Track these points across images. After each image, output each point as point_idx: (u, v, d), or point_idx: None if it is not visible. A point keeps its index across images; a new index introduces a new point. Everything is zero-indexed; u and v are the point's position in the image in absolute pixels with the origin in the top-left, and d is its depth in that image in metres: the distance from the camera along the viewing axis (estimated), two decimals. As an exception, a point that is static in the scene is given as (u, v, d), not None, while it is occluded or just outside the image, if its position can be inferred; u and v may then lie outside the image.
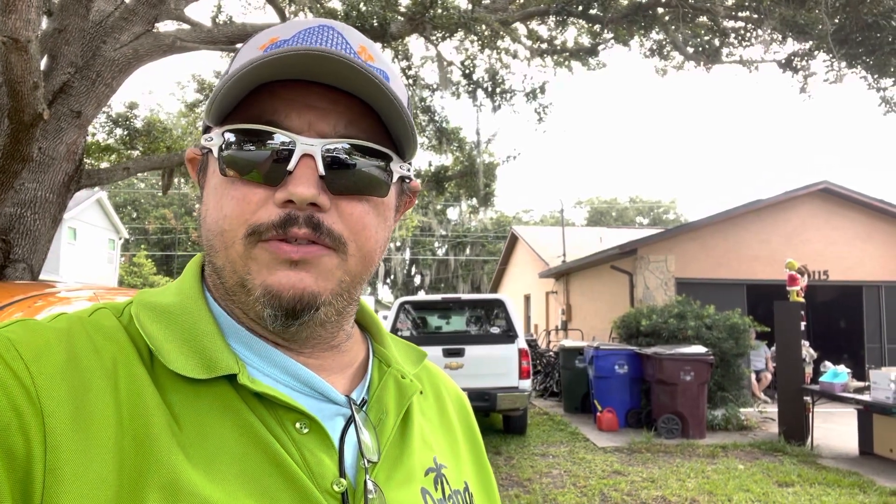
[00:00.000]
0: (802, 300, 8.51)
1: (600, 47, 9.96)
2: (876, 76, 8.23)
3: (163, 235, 39.16)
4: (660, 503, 5.56)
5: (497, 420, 9.25)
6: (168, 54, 5.68)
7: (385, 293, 45.80)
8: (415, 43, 10.62)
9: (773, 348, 9.59)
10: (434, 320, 9.71)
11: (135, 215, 40.93)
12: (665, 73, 10.62)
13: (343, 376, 0.64)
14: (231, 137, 0.56)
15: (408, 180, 0.65)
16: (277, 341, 0.59)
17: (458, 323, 9.59)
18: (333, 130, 0.57)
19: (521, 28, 10.21)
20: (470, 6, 8.32)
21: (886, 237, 12.79)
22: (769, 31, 8.65)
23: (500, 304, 8.79)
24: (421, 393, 0.69)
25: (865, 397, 6.73)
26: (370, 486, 0.56)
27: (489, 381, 7.74)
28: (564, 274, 16.90)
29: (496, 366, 7.87)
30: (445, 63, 9.83)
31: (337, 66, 0.53)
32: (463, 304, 9.40)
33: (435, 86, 10.72)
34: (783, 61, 9.15)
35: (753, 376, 11.15)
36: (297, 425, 0.55)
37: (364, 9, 7.60)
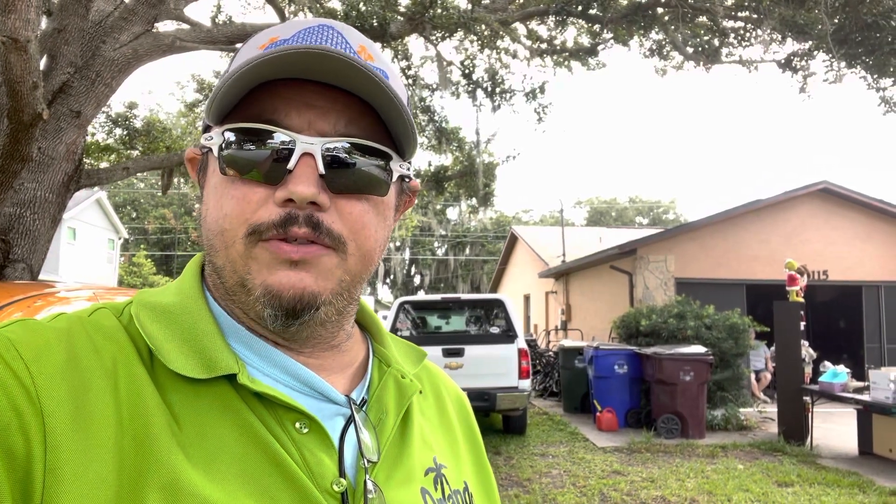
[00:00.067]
0: (802, 300, 8.52)
1: (600, 47, 9.97)
2: (875, 76, 8.24)
3: (162, 235, 39.15)
4: (659, 503, 5.56)
5: (497, 420, 9.26)
6: (167, 54, 5.68)
7: (385, 293, 45.83)
8: (414, 43, 10.63)
9: (773, 348, 9.60)
10: (434, 320, 9.71)
11: (134, 215, 40.92)
12: (665, 73, 10.63)
13: (343, 376, 0.64)
14: (231, 136, 0.56)
15: (407, 179, 0.65)
16: (277, 341, 0.59)
17: (457, 323, 9.59)
18: (333, 129, 0.57)
19: (520, 28, 10.21)
20: (469, 6, 8.32)
21: (886, 237, 12.80)
22: (769, 31, 8.65)
23: (499, 304, 8.79)
24: (420, 392, 0.69)
25: (865, 397, 6.73)
26: (370, 485, 0.56)
27: (489, 381, 7.74)
28: (564, 274, 16.91)
29: (496, 366, 7.87)
30: (445, 63, 9.83)
31: (337, 64, 0.53)
32: (462, 304, 9.40)
33: (434, 86, 10.73)
34: (783, 61, 9.15)
35: (753, 376, 11.16)
36: (297, 425, 0.55)
37: (364, 9, 7.60)
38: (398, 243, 41.83)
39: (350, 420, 0.59)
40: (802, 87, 9.17)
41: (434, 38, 8.69)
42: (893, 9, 7.52)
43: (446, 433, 0.73)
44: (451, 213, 38.32)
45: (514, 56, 10.49)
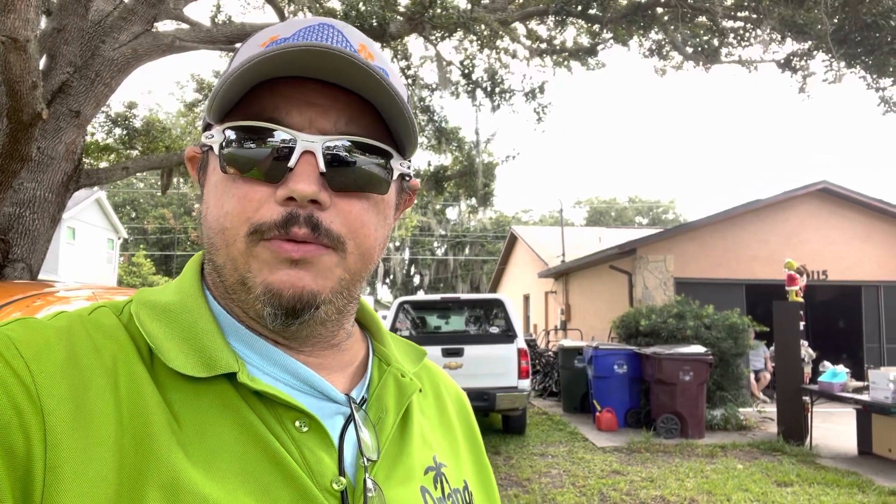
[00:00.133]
0: (801, 300, 8.52)
1: (599, 47, 9.97)
2: (875, 76, 8.25)
3: (162, 235, 39.14)
4: (659, 503, 5.57)
5: (496, 420, 9.26)
6: (167, 54, 5.68)
7: (384, 293, 45.83)
8: (414, 43, 10.61)
9: (772, 348, 9.61)
10: (433, 320, 9.71)
11: (134, 215, 40.91)
12: (664, 73, 10.63)
13: (343, 375, 0.64)
14: (232, 135, 0.56)
15: (407, 178, 0.65)
16: (277, 340, 0.59)
17: (457, 323, 9.59)
18: (334, 127, 0.57)
19: (520, 28, 10.22)
20: (469, 6, 8.33)
21: (885, 237, 12.80)
22: (768, 30, 8.66)
23: (499, 304, 8.79)
24: (420, 391, 0.69)
25: (864, 397, 6.73)
26: (370, 484, 0.56)
27: (488, 381, 7.74)
28: (563, 274, 16.91)
29: (495, 365, 7.87)
30: (444, 63, 9.83)
31: (338, 61, 0.53)
32: (462, 303, 9.41)
33: (434, 85, 10.73)
34: (782, 61, 9.15)
35: (752, 376, 11.16)
36: (297, 424, 0.55)
37: (363, 8, 7.61)
38: (398, 243, 41.84)
39: (350, 419, 0.59)
40: (802, 87, 9.18)
41: (433, 37, 8.70)
42: (893, 9, 7.52)
43: (446, 432, 0.73)
44: (451, 212, 38.37)
45: (514, 56, 10.49)
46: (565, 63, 10.68)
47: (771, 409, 9.71)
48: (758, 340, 10.86)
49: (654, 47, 9.91)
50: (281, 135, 0.55)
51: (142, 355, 0.54)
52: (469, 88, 10.08)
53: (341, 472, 0.55)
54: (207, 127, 0.60)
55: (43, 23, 4.93)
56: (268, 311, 0.55)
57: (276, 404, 0.55)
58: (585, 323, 14.99)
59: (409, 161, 0.64)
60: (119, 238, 27.78)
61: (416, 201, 0.68)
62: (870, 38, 7.75)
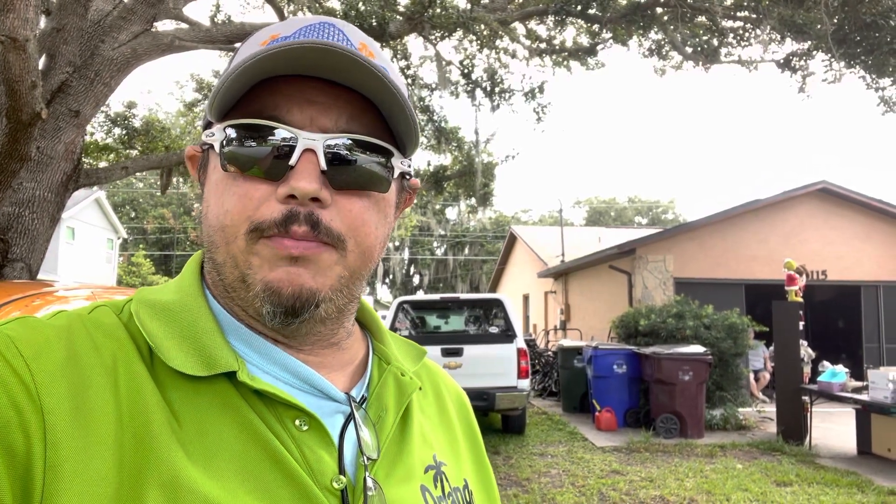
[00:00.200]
0: (801, 300, 8.52)
1: (599, 47, 9.97)
2: (874, 76, 8.25)
3: (161, 235, 39.13)
4: (658, 503, 5.57)
5: (496, 419, 9.26)
6: (166, 53, 5.68)
7: (384, 293, 45.82)
8: (413, 42, 10.61)
9: (772, 348, 9.61)
10: (433, 320, 9.71)
11: (133, 215, 40.90)
12: (664, 73, 10.64)
13: (343, 374, 0.64)
14: (232, 133, 0.56)
15: (408, 177, 0.65)
16: (277, 338, 0.59)
17: (456, 322, 9.59)
18: (335, 125, 0.57)
19: (519, 28, 10.22)
20: (469, 6, 8.33)
21: (885, 237, 12.81)
22: (768, 30, 8.66)
23: (498, 304, 8.79)
24: (420, 389, 0.69)
25: (863, 397, 6.74)
26: (370, 483, 0.56)
27: (488, 381, 7.74)
28: (563, 274, 16.91)
29: (495, 365, 7.88)
30: (444, 62, 9.83)
31: (340, 59, 0.53)
32: (462, 303, 9.41)
33: (434, 85, 10.73)
34: (782, 61, 9.16)
35: (752, 376, 11.16)
36: (297, 422, 0.55)
37: (363, 8, 7.61)
38: (397, 243, 41.85)
39: (350, 417, 0.59)
40: (801, 87, 9.18)
41: (433, 37, 8.70)
42: (892, 8, 7.53)
43: (446, 431, 0.73)
44: (451, 212, 38.40)
45: (514, 56, 10.50)
46: (565, 63, 10.68)
47: (770, 409, 9.71)
48: (757, 340, 10.86)
49: (653, 47, 9.91)
50: (282, 133, 0.55)
51: (142, 354, 0.53)
52: (469, 88, 10.09)
53: (341, 470, 0.55)
54: (208, 125, 0.60)
55: (42, 22, 4.93)
56: (267, 308, 0.55)
57: (276, 403, 0.55)
58: (585, 323, 14.99)
59: (410, 160, 0.64)
60: (118, 238, 27.77)
61: (415, 201, 0.68)
62: (869, 37, 7.75)
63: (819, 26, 7.99)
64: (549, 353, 13.30)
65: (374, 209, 0.59)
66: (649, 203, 54.39)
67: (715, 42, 9.40)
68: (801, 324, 8.18)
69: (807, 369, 8.45)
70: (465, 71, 9.96)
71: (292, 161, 0.54)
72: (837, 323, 14.02)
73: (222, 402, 0.53)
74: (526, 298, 22.11)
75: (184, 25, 6.66)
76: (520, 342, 8.03)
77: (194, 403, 0.52)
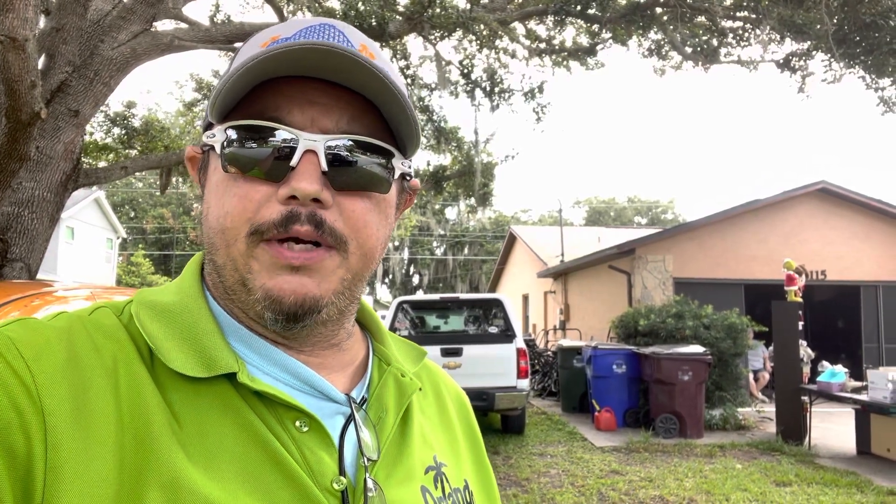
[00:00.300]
0: (800, 300, 8.53)
1: (599, 47, 9.97)
2: (874, 76, 8.25)
3: (161, 235, 39.12)
4: (657, 503, 5.57)
5: (495, 419, 9.26)
6: (166, 53, 5.68)
7: (383, 293, 45.82)
8: (413, 42, 10.62)
9: (771, 348, 9.62)
10: (432, 320, 9.71)
11: (133, 214, 40.89)
12: (663, 73, 10.64)
13: (343, 375, 0.64)
14: (233, 134, 0.56)
15: (408, 178, 0.65)
16: (277, 340, 0.59)
17: (456, 322, 9.59)
18: (336, 126, 0.57)
19: (519, 28, 10.22)
20: (468, 6, 8.33)
21: (884, 237, 12.82)
22: (767, 30, 8.67)
23: (498, 304, 8.80)
24: (420, 390, 0.69)
25: (863, 397, 6.74)
26: (370, 484, 0.56)
27: (487, 381, 7.74)
28: (563, 274, 16.92)
29: (494, 365, 7.88)
30: (444, 62, 9.83)
31: (341, 60, 0.53)
32: (461, 303, 9.41)
33: (433, 85, 10.73)
34: (781, 61, 9.16)
35: (751, 376, 11.17)
36: (297, 424, 0.55)
37: (362, 8, 7.61)
38: (397, 243, 41.84)
39: (350, 419, 0.59)
40: (801, 87, 9.19)
41: (433, 37, 8.70)
42: (892, 9, 7.53)
43: (446, 431, 0.73)
44: (450, 212, 38.42)
45: (513, 56, 10.50)
46: (564, 63, 10.68)
47: (770, 409, 9.72)
48: (756, 340, 10.86)
49: (653, 47, 9.92)
50: (283, 134, 0.55)
51: (142, 355, 0.53)
52: (468, 88, 10.09)
53: (342, 471, 0.55)
54: (208, 126, 0.60)
55: (42, 22, 4.92)
56: (268, 315, 0.55)
57: (277, 404, 0.55)
58: (584, 323, 14.99)
59: (410, 161, 0.64)
60: (118, 238, 27.77)
61: (415, 201, 0.68)
62: (869, 37, 7.76)
63: (819, 26, 8.00)
64: (549, 353, 13.30)
65: (375, 210, 0.59)
66: (649, 203, 54.41)
67: (714, 42, 9.40)
68: (801, 324, 8.19)
69: (806, 369, 8.46)
70: (465, 71, 9.96)
71: (293, 162, 0.54)
72: (837, 323, 14.02)
73: (223, 404, 0.53)
74: (525, 298, 22.11)
75: (183, 25, 6.66)
76: (519, 342, 8.04)
77: (195, 405, 0.52)
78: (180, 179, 11.70)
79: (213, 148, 0.58)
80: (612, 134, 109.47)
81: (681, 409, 8.29)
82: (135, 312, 0.57)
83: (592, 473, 6.51)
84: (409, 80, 10.12)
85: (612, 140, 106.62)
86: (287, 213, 0.54)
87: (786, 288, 8.62)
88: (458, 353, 7.91)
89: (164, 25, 6.94)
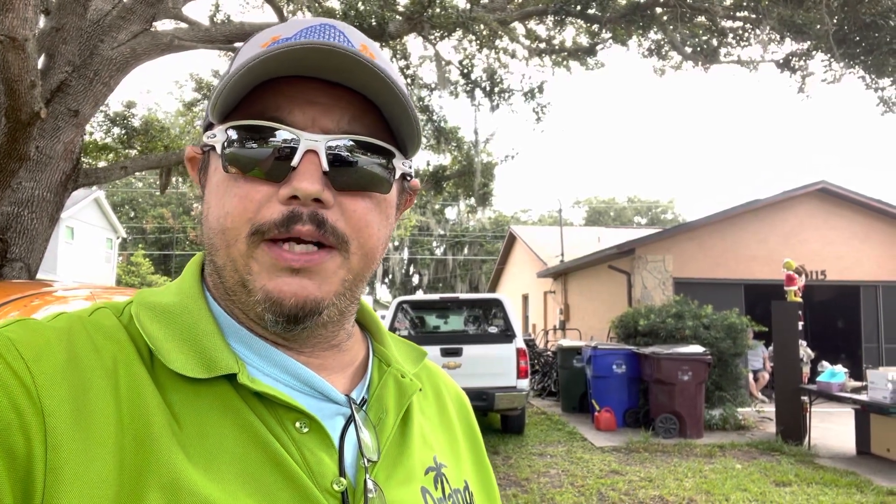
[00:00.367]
0: (800, 300, 8.53)
1: (598, 47, 9.97)
2: (874, 76, 8.26)
3: (160, 235, 39.12)
4: (657, 503, 5.57)
5: (495, 419, 9.26)
6: (166, 53, 5.68)
7: (383, 293, 45.82)
8: (413, 42, 10.61)
9: (771, 348, 9.62)
10: (432, 320, 9.71)
11: (132, 214, 40.89)
12: (663, 73, 10.64)
13: (343, 375, 0.64)
14: (234, 134, 0.56)
15: (409, 178, 0.65)
16: (277, 341, 0.59)
17: (456, 322, 9.59)
18: (337, 126, 0.57)
19: (519, 28, 10.22)
20: (468, 6, 8.33)
21: (884, 237, 12.82)
22: (767, 30, 8.67)
23: (498, 304, 8.80)
24: (420, 390, 0.69)
25: (863, 397, 6.74)
26: (370, 485, 0.56)
27: (487, 381, 7.74)
28: (562, 274, 16.92)
29: (494, 365, 7.88)
30: (444, 62, 9.83)
31: (343, 60, 0.53)
32: (461, 303, 9.41)
33: (433, 85, 10.73)
34: (781, 61, 9.16)
35: (751, 376, 11.17)
36: (297, 425, 0.55)
37: (362, 8, 7.60)
38: (397, 243, 41.84)
39: (350, 419, 0.59)
40: (801, 87, 9.19)
41: (433, 37, 8.70)
42: (892, 9, 7.54)
43: (446, 432, 0.73)
44: (450, 212, 38.42)
45: (513, 56, 10.50)
46: (564, 63, 10.68)
47: (769, 409, 9.72)
48: (756, 340, 10.87)
49: (653, 47, 9.92)
50: (284, 134, 0.55)
51: (142, 356, 0.53)
52: (468, 88, 10.08)
53: (342, 472, 0.55)
54: (209, 127, 0.60)
55: (41, 22, 4.92)
56: (269, 316, 0.55)
57: (277, 405, 0.55)
58: (584, 323, 14.99)
59: (411, 161, 0.63)
60: (118, 237, 27.77)
61: (415, 201, 0.68)
62: (869, 37, 7.76)
63: (819, 26, 8.00)
64: (549, 353, 13.30)
65: (376, 210, 0.59)
66: (649, 203, 54.42)
67: (714, 42, 9.40)
68: (801, 324, 8.19)
69: (806, 369, 8.46)
70: (465, 71, 9.96)
71: (294, 162, 0.54)
72: (836, 323, 14.02)
73: (223, 405, 0.53)
74: (525, 298, 22.12)
75: (183, 25, 6.66)
76: (519, 342, 8.04)
77: (195, 406, 0.52)
78: (180, 179, 11.70)
79: (213, 148, 0.58)
80: (612, 134, 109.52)
81: (680, 409, 8.29)
82: (135, 313, 0.57)
83: (592, 473, 6.51)
84: (409, 80, 10.11)
85: (611, 140, 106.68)
86: (288, 214, 0.54)
87: (786, 288, 8.62)
88: (457, 353, 7.91)
89: (164, 25, 6.94)
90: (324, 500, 0.52)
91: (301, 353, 0.60)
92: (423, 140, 11.22)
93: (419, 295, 30.22)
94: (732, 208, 12.45)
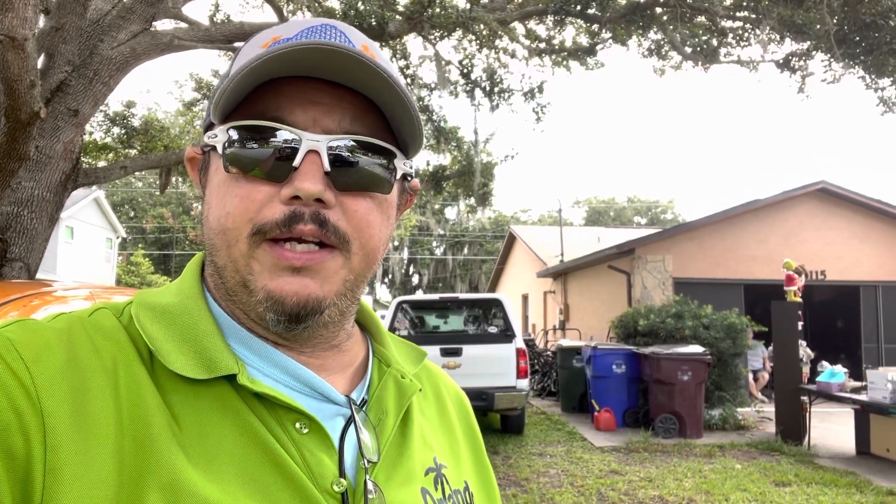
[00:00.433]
0: (800, 300, 8.53)
1: (598, 47, 9.97)
2: (874, 76, 8.26)
3: (160, 234, 39.12)
4: (657, 503, 5.57)
5: (495, 419, 9.26)
6: (165, 53, 5.68)
7: (383, 292, 45.82)
8: (413, 42, 10.61)
9: (771, 348, 9.62)
10: (432, 320, 9.72)
11: (132, 214, 40.88)
12: (663, 73, 10.63)
13: (343, 376, 0.64)
14: (235, 134, 0.56)
15: (409, 178, 0.65)
16: (278, 341, 0.59)
17: (455, 322, 9.59)
18: (339, 127, 0.57)
19: (519, 27, 10.22)
20: (468, 5, 8.33)
21: (883, 237, 12.82)
22: (767, 31, 8.67)
23: (497, 304, 8.80)
24: (420, 391, 0.69)
25: (862, 397, 6.74)
26: (370, 486, 0.55)
27: (487, 381, 7.74)
28: (562, 273, 16.92)
29: (494, 365, 7.88)
30: (443, 62, 9.83)
31: (345, 60, 0.53)
32: (461, 303, 9.41)
33: (433, 85, 10.72)
34: (781, 61, 9.16)
35: (751, 376, 11.18)
36: (297, 425, 0.55)
37: (362, 8, 7.60)
38: (396, 243, 41.84)
39: (350, 420, 0.59)
40: (801, 87, 9.19)
41: (432, 37, 8.70)
42: (892, 8, 7.54)
43: (446, 433, 0.72)
44: (450, 212, 38.42)
45: (513, 56, 10.49)
46: (564, 63, 10.68)
47: (769, 409, 9.72)
48: (756, 340, 10.87)
49: (653, 47, 9.92)
50: (285, 134, 0.55)
51: (142, 357, 0.53)
52: (468, 88, 10.08)
53: (342, 473, 0.55)
54: (209, 127, 0.60)
55: (41, 21, 4.92)
56: (270, 316, 0.55)
57: (277, 406, 0.55)
58: (584, 323, 15.00)
59: (412, 161, 0.63)
60: (117, 237, 27.77)
61: (415, 201, 0.68)
62: (869, 37, 7.76)
63: (818, 26, 8.00)
64: (548, 352, 13.30)
65: (377, 210, 0.59)
66: (648, 203, 54.43)
67: (714, 42, 9.40)
68: (800, 324, 8.19)
69: (806, 369, 8.45)
70: (465, 71, 9.96)
71: (296, 162, 0.54)
72: (836, 323, 14.03)
73: (222, 405, 0.53)
74: (525, 298, 22.12)
75: (183, 25, 6.66)
76: (519, 342, 8.04)
77: (195, 406, 0.52)
78: (180, 179, 11.70)
79: (214, 148, 0.58)
80: (612, 134, 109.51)
81: (680, 409, 8.29)
82: (135, 314, 0.56)
83: (592, 473, 6.51)
84: (408, 80, 10.11)
85: (611, 140, 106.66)
86: (290, 213, 0.54)
87: (785, 288, 8.62)
88: (457, 353, 7.91)
89: (164, 25, 6.94)
90: (324, 500, 0.52)
91: (301, 354, 0.60)
92: (424, 140, 11.27)
93: (419, 295, 30.23)
94: (732, 208, 12.45)
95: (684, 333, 9.29)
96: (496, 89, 9.96)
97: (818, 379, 7.52)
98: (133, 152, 8.87)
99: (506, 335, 8.15)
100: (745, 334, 9.46)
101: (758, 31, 8.88)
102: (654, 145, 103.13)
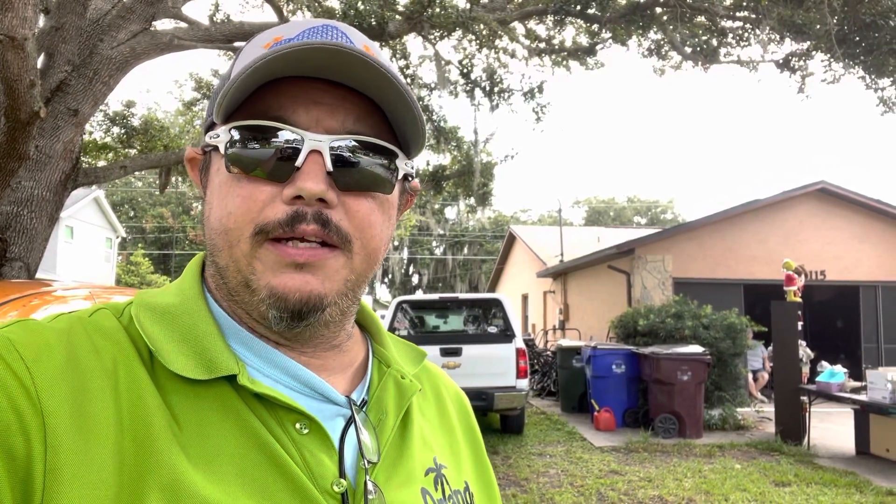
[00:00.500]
0: (799, 300, 8.53)
1: (598, 47, 9.97)
2: (874, 76, 8.26)
3: (160, 234, 39.11)
4: (657, 503, 5.57)
5: (494, 419, 9.26)
6: (165, 52, 5.68)
7: (383, 292, 45.82)
8: (413, 42, 10.60)
9: (770, 348, 9.62)
10: (432, 320, 9.72)
11: (132, 214, 40.88)
12: (663, 73, 10.63)
13: (343, 376, 0.64)
14: (237, 135, 0.56)
15: (410, 178, 0.65)
16: (279, 341, 0.59)
17: (455, 322, 9.59)
18: (341, 127, 0.57)
19: (519, 27, 10.21)
20: (468, 5, 8.33)
21: (883, 237, 12.83)
22: (767, 31, 8.67)
23: (497, 304, 8.80)
24: (420, 391, 0.69)
25: (862, 397, 6.75)
26: (370, 486, 0.55)
27: (486, 381, 7.74)
28: (562, 273, 16.92)
29: (493, 365, 7.88)
30: (443, 62, 9.82)
31: (348, 60, 0.53)
32: (461, 303, 9.41)
33: (433, 85, 10.72)
34: (781, 61, 9.16)
35: (750, 376, 11.18)
36: (297, 426, 0.55)
37: (362, 7, 7.60)
38: (396, 243, 41.84)
39: (350, 421, 0.59)
40: (801, 87, 9.19)
41: (432, 37, 8.70)
42: (892, 8, 7.54)
43: (446, 433, 0.72)
44: (450, 212, 38.43)
45: (513, 55, 10.49)
46: (564, 63, 10.67)
47: (769, 409, 9.72)
48: (756, 340, 10.87)
49: (652, 47, 9.92)
50: (287, 134, 0.55)
51: (142, 357, 0.53)
52: (468, 88, 10.08)
53: (342, 474, 0.55)
54: (210, 127, 0.59)
55: (41, 21, 4.92)
56: (273, 313, 0.55)
57: (277, 406, 0.55)
58: (584, 323, 15.00)
59: (413, 162, 0.63)
60: (117, 237, 27.76)
61: (415, 201, 0.68)
62: (869, 37, 7.76)
63: (818, 26, 8.00)
64: (548, 352, 13.30)
65: (379, 210, 0.59)
66: (648, 203, 54.43)
67: (714, 42, 9.40)
68: (800, 324, 8.19)
69: (805, 369, 8.45)
70: (465, 71, 9.95)
71: (298, 162, 0.54)
72: (836, 323, 14.03)
73: (223, 406, 0.53)
74: (525, 298, 22.12)
75: (183, 24, 6.66)
76: (518, 342, 8.04)
77: (195, 407, 0.52)
78: (180, 179, 11.70)
79: (215, 148, 0.58)
80: (612, 134, 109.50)
81: (680, 409, 8.29)
82: (135, 314, 0.56)
83: (591, 473, 6.51)
84: (408, 80, 10.11)
85: (611, 140, 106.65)
86: (293, 213, 0.54)
87: (785, 288, 8.62)
88: (457, 352, 7.91)
89: (164, 24, 6.94)
90: (324, 501, 0.52)
91: (302, 354, 0.60)
92: (426, 139, 11.26)
93: (419, 295, 30.22)
94: (732, 208, 12.45)
95: (684, 333, 9.29)
96: (496, 89, 9.96)
97: (818, 379, 7.52)
98: (133, 152, 8.87)
99: (505, 335, 8.15)
100: (744, 334, 9.46)
101: (758, 31, 8.88)
102: (654, 145, 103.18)
